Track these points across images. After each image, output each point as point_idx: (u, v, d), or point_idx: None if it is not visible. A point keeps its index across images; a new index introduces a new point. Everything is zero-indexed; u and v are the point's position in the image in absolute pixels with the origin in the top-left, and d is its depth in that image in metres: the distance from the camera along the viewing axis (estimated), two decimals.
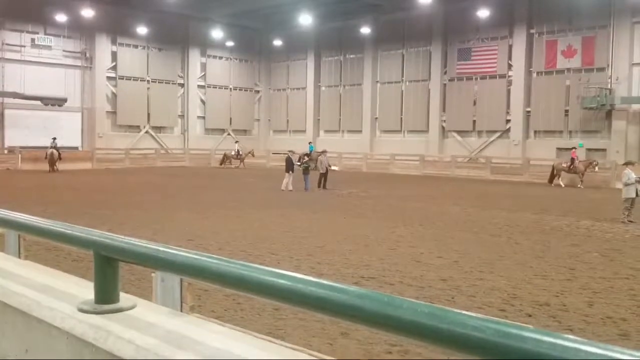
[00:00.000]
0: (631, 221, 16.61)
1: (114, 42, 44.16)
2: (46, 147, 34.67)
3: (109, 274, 2.31)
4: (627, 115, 33.35)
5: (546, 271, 10.22)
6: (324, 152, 28.46)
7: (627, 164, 18.42)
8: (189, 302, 3.86)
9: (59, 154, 34.73)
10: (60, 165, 34.40)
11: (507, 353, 1.09)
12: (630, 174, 17.17)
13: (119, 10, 42.02)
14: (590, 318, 7.52)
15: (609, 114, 33.96)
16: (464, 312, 1.19)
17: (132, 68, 44.90)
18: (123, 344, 1.96)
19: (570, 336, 1.06)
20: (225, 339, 1.96)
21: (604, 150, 34.21)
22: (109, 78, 43.88)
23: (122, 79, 44.47)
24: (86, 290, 2.52)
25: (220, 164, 42.45)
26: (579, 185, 29.75)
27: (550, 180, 30.69)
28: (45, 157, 34.31)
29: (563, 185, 30.12)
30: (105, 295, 2.29)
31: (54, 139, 35.04)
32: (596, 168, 30.51)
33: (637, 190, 16.95)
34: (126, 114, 44.35)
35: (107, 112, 43.87)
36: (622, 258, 11.62)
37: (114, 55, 44.23)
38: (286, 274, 1.57)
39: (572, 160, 30.46)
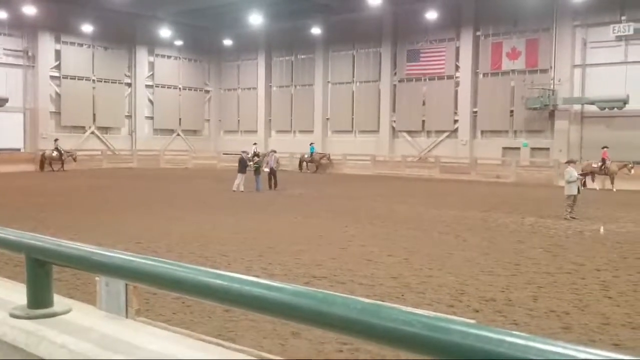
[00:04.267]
0: (573, 217, 17.14)
1: (57, 40, 42.89)
2: None
3: (42, 277, 2.22)
4: (569, 116, 34.42)
5: (493, 267, 10.44)
6: (272, 152, 28.36)
7: (569, 162, 18.98)
8: (134, 305, 3.77)
9: (61, 154, 37.05)
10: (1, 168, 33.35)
11: (434, 345, 1.09)
12: (572, 172, 17.72)
13: (63, 7, 40.83)
14: (534, 312, 7.71)
15: (552, 114, 34.97)
16: (395, 306, 1.19)
17: (77, 67, 43.69)
18: (56, 349, 1.89)
19: (494, 327, 1.08)
20: (164, 342, 1.92)
21: (547, 149, 35.23)
22: (52, 77, 42.61)
23: (67, 78, 43.24)
24: (20, 295, 2.42)
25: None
26: (609, 187, 27.95)
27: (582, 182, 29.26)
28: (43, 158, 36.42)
29: (597, 189, 28.05)
30: (39, 299, 2.21)
31: (56, 140, 38.08)
32: (632, 171, 28.04)
33: (578, 187, 17.52)
34: (71, 115, 43.14)
35: (50, 112, 42.56)
36: (565, 253, 11.96)
37: (58, 54, 42.97)
38: (222, 274, 1.53)
39: (603, 161, 28.60)
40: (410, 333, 1.11)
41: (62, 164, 37.74)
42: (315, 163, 39.83)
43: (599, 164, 28.69)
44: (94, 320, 2.16)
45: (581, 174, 28.27)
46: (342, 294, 1.31)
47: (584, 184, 28.14)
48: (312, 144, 40.67)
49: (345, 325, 1.21)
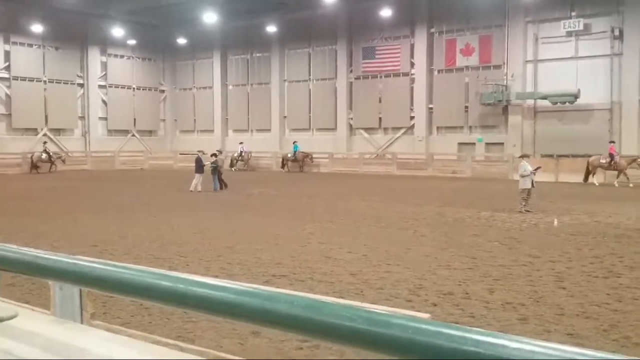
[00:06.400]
0: (528, 211, 17.51)
1: (6, 41, 41.69)
2: None
3: None
4: (522, 110, 35.16)
5: (450, 261, 10.58)
6: (218, 152, 27.97)
7: (523, 156, 19.36)
8: (89, 309, 3.69)
9: (50, 156, 37.89)
10: None
11: (375, 339, 1.10)
12: (526, 166, 18.09)
13: (11, 7, 39.71)
14: (491, 304, 7.84)
15: (505, 110, 35.66)
16: (340, 302, 1.19)
17: (27, 68, 42.56)
18: (0, 355, 1.83)
19: (433, 321, 1.09)
20: (114, 346, 1.88)
21: (501, 144, 35.90)
22: (2, 79, 41.41)
23: (17, 79, 42.06)
24: None
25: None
26: (619, 182, 26.96)
27: (585, 178, 27.97)
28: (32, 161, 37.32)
29: (597, 184, 27.19)
30: None
31: (45, 142, 39.71)
32: None
33: (532, 181, 17.90)
34: (22, 117, 41.99)
35: (0, 114, 41.41)
36: (520, 246, 12.20)
37: (7, 55, 41.77)
38: (166, 275, 1.51)
39: (612, 155, 27.54)
40: (352, 328, 1.11)
41: (51, 165, 38.22)
42: (298, 162, 39.19)
43: (607, 159, 27.60)
44: (42, 325, 2.11)
45: (590, 169, 27.54)
46: (286, 291, 1.30)
47: (585, 179, 27.73)
48: (295, 142, 40.13)
49: (290, 322, 1.20)
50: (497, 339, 1.01)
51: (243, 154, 41.02)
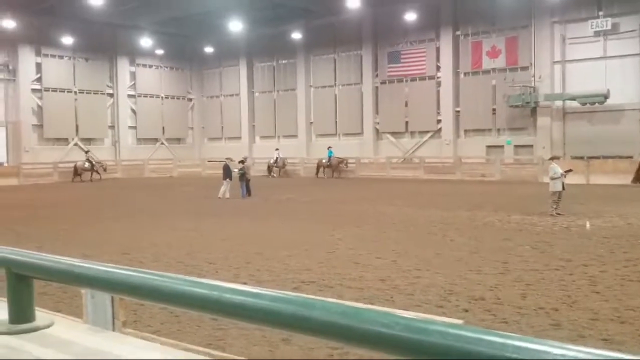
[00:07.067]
0: (559, 214, 17.23)
1: (38, 53, 42.59)
2: None
3: (23, 292, 2.19)
4: (551, 112, 34.69)
5: (480, 266, 10.46)
6: (244, 159, 27.89)
7: (552, 158, 19.12)
8: (121, 317, 3.73)
9: (92, 165, 38.73)
10: None
11: (414, 346, 1.09)
12: (556, 168, 17.83)
13: (42, 20, 40.55)
14: (523, 310, 7.72)
15: (534, 111, 35.22)
16: (376, 309, 1.18)
17: (58, 79, 43.41)
18: None
19: (473, 327, 1.08)
20: (148, 353, 1.90)
21: (530, 146, 35.46)
22: (33, 90, 42.28)
23: (48, 90, 42.92)
24: (1, 310, 2.39)
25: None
26: None
27: (636, 179, 26.91)
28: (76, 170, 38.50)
29: None
30: (20, 314, 2.18)
31: (87, 151, 40.78)
32: None
33: (563, 183, 17.63)
34: (53, 127, 42.82)
35: (33, 125, 42.24)
36: (551, 250, 12.01)
37: (39, 67, 42.66)
38: (200, 282, 1.52)
39: None
40: (390, 335, 1.10)
41: (92, 174, 39.05)
42: (332, 168, 38.69)
43: None
44: (77, 334, 2.14)
45: None
46: (321, 298, 1.30)
47: (636, 180, 26.37)
48: (330, 147, 39.69)
49: (326, 329, 1.20)
50: (538, 345, 0.99)
51: (279, 161, 41.04)
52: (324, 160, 39.22)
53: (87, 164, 39.26)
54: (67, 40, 42.27)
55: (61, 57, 43.61)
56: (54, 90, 43.16)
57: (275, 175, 40.43)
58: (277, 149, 42.07)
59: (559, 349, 0.99)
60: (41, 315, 2.28)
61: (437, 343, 1.06)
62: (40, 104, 42.50)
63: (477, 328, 1.10)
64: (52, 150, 42.45)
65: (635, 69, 31.85)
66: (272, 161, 41.06)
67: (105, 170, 39.92)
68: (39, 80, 42.54)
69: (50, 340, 2.05)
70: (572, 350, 0.98)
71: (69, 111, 43.52)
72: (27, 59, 41.83)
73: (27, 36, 40.70)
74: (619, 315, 7.41)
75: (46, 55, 42.93)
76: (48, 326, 2.20)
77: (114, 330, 2.93)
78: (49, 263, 2.13)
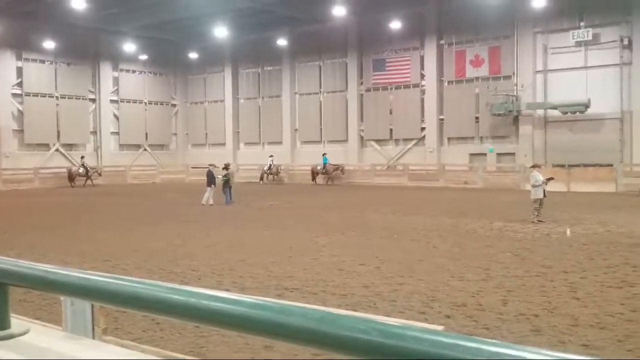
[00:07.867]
0: (540, 221, 17.38)
1: (19, 57, 42.12)
2: None
3: None
4: (533, 121, 35.02)
5: (463, 273, 10.51)
6: (227, 165, 27.73)
7: (534, 166, 19.26)
8: (101, 325, 3.69)
9: (87, 170, 38.88)
10: None
11: (390, 352, 1.09)
12: (537, 176, 17.99)
13: (23, 24, 40.12)
14: (505, 316, 7.77)
15: (516, 120, 35.55)
16: (354, 315, 1.18)
17: (40, 84, 42.96)
18: None
19: (449, 332, 1.08)
20: None
21: (512, 154, 35.77)
22: (14, 95, 41.80)
23: (29, 95, 42.45)
24: None
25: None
26: None
27: None
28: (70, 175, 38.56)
29: None
30: None
31: (82, 157, 40.59)
32: None
33: (544, 191, 17.79)
34: (34, 132, 42.34)
35: (13, 130, 41.70)
36: (532, 257, 12.11)
37: (20, 71, 42.19)
38: (180, 289, 1.50)
39: None
40: (366, 340, 1.10)
41: (86, 180, 39.09)
42: (328, 175, 38.73)
43: None
44: (54, 341, 2.11)
45: None
46: (301, 304, 1.29)
47: None
48: (324, 154, 39.75)
49: (304, 335, 1.20)
50: (514, 350, 0.99)
51: (272, 167, 40.95)
52: (318, 167, 39.24)
53: (81, 170, 39.26)
54: (49, 44, 41.89)
55: (42, 61, 43.18)
56: (35, 95, 42.70)
57: (263, 182, 40.29)
58: (271, 156, 41.99)
59: (534, 354, 1.00)
60: (17, 322, 2.24)
61: (412, 349, 1.06)
62: (21, 108, 42.02)
63: (453, 334, 1.10)
64: (32, 155, 41.98)
65: (616, 79, 32.29)
66: (265, 168, 41.00)
67: (100, 175, 40.07)
68: (19, 84, 42.07)
69: (25, 348, 2.02)
70: (547, 355, 0.99)
71: (50, 116, 43.08)
72: (7, 64, 41.35)
73: (8, 40, 40.23)
74: (599, 321, 7.48)
75: (27, 60, 42.49)
76: (24, 333, 2.16)
77: (93, 337, 2.89)
78: (25, 270, 2.09)
